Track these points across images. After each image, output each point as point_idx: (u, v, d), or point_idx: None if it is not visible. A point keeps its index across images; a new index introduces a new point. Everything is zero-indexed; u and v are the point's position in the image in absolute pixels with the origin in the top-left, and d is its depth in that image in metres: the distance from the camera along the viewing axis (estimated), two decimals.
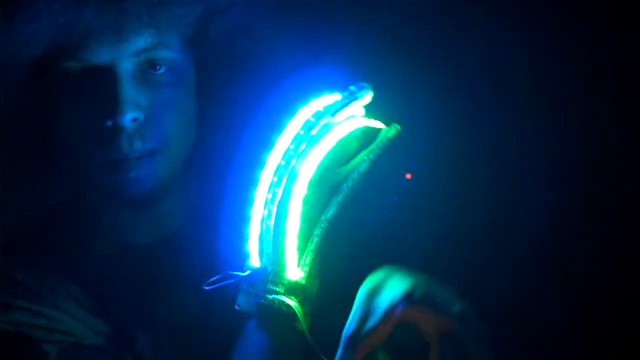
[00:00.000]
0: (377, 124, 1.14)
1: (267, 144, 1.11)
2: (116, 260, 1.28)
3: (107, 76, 1.15)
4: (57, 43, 1.13)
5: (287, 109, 1.12)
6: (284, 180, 1.08)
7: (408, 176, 1.13)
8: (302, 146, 1.09)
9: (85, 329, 1.22)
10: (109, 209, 1.28)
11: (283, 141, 1.10)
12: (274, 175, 1.09)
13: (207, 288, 1.13)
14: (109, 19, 1.12)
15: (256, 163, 1.11)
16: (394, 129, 1.13)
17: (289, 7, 1.29)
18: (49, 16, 1.10)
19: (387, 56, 1.29)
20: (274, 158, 1.10)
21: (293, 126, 1.11)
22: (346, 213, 1.08)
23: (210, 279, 1.13)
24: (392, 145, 1.12)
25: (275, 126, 1.11)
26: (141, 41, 1.16)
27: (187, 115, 1.23)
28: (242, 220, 1.11)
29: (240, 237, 1.12)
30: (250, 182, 1.10)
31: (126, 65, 1.16)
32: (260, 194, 1.10)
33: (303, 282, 1.08)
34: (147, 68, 1.18)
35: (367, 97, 1.14)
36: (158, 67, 1.18)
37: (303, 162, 1.08)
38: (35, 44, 1.13)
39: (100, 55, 1.15)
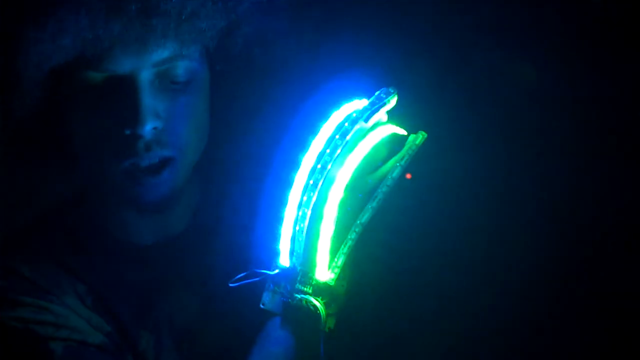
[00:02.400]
0: (402, 130, 1.17)
1: (301, 145, 1.12)
2: (121, 260, 1.27)
3: (126, 85, 1.15)
4: (81, 54, 1.12)
5: (320, 112, 1.14)
6: (320, 184, 1.10)
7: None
8: (338, 151, 1.11)
9: (90, 328, 1.22)
10: (117, 211, 1.27)
11: (317, 144, 1.12)
12: (309, 178, 1.11)
13: (232, 285, 1.14)
14: (135, 33, 1.12)
15: (290, 164, 1.12)
16: (422, 135, 1.16)
17: (304, 15, 1.30)
18: (76, 31, 1.10)
19: (407, 63, 1.32)
20: (308, 160, 1.12)
21: (326, 129, 1.13)
22: (379, 217, 1.11)
23: (237, 275, 1.14)
24: (421, 151, 1.15)
25: (309, 129, 1.12)
26: (164, 53, 1.15)
27: (202, 121, 1.23)
28: (273, 220, 1.12)
29: (270, 236, 1.13)
30: (284, 183, 1.12)
31: (146, 75, 1.16)
32: (294, 196, 1.11)
33: (332, 283, 1.10)
34: (166, 78, 1.18)
35: (393, 101, 1.17)
36: (177, 77, 1.18)
37: (340, 168, 1.10)
38: (60, 55, 1.12)
39: (122, 66, 1.14)
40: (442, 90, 1.30)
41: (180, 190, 1.24)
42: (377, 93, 1.15)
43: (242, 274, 1.14)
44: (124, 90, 1.15)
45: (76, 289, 1.24)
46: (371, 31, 1.35)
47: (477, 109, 1.30)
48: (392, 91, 1.16)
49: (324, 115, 1.13)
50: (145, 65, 1.15)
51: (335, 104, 1.14)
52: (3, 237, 1.25)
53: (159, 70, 1.16)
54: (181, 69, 1.18)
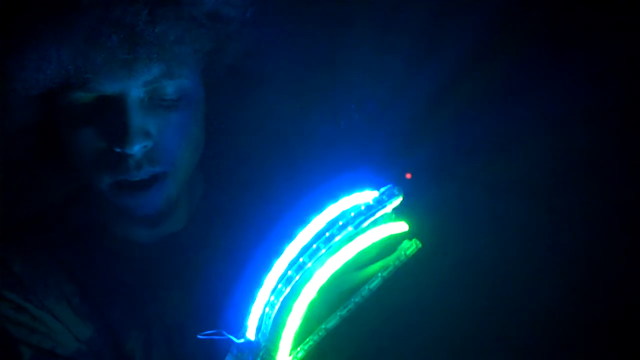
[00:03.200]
0: (401, 228, 1.15)
1: (289, 235, 1.12)
2: (117, 257, 1.31)
3: (115, 105, 1.16)
4: (67, 80, 1.13)
5: (316, 203, 1.13)
6: (297, 278, 1.11)
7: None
8: (322, 251, 1.11)
9: (65, 334, 1.26)
10: (115, 213, 1.29)
11: (305, 235, 1.12)
12: (288, 268, 1.12)
13: (201, 337, 1.18)
14: (119, 63, 1.11)
15: (274, 250, 1.12)
16: (415, 245, 1.14)
17: (296, 19, 1.28)
18: (58, 62, 1.11)
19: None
20: (290, 251, 1.12)
21: (317, 223, 1.12)
22: (346, 324, 1.12)
23: (206, 331, 1.17)
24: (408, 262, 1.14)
25: (299, 222, 1.12)
26: (151, 75, 1.15)
27: (196, 135, 1.24)
28: (250, 293, 1.14)
29: (244, 305, 1.15)
30: (265, 267, 1.13)
31: (135, 94, 1.16)
32: (270, 281, 1.12)
33: None
34: (156, 95, 1.18)
35: (396, 202, 1.14)
36: (166, 95, 1.18)
37: (319, 268, 1.11)
38: (46, 81, 1.13)
39: (110, 87, 1.15)
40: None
41: (176, 200, 1.26)
42: (381, 192, 1.13)
43: (211, 331, 1.18)
44: (113, 109, 1.16)
45: (63, 288, 1.28)
46: (369, 32, 1.31)
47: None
48: (395, 192, 1.13)
49: (318, 208, 1.13)
50: (134, 85, 1.15)
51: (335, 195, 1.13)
52: (1, 228, 1.29)
53: (148, 89, 1.16)
54: (170, 87, 1.18)
